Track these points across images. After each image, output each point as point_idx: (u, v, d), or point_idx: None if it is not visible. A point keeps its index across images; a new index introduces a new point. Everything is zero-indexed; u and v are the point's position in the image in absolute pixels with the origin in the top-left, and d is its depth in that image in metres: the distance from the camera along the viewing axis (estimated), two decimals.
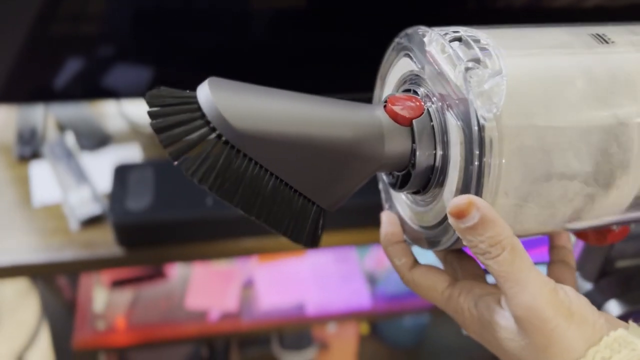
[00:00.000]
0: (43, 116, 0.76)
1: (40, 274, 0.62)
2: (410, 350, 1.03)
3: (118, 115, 0.78)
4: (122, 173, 0.62)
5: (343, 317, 0.80)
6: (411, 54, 0.31)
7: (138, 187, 0.61)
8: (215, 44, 0.69)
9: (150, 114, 0.28)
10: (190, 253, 0.62)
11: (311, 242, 0.30)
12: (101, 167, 0.69)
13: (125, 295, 0.83)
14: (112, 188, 0.60)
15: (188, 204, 0.59)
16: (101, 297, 0.82)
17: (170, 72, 0.73)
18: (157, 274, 0.81)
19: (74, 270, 0.62)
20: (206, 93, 0.27)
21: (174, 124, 0.27)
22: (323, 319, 0.80)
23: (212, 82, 0.28)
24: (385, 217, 0.35)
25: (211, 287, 0.82)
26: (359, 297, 0.82)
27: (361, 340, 1.03)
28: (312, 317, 0.80)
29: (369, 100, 0.36)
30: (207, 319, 0.79)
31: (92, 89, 0.72)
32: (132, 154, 0.72)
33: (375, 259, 0.88)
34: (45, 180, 0.67)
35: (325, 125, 0.28)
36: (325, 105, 0.30)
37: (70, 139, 0.71)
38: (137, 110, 0.79)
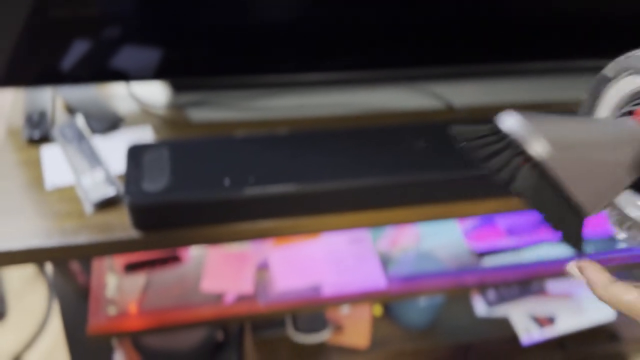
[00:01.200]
0: (52, 98, 0.74)
1: (55, 259, 0.60)
2: (424, 331, 1.02)
3: (128, 97, 0.76)
4: (136, 153, 0.60)
5: (358, 299, 0.79)
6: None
7: (153, 168, 0.59)
8: (225, 20, 0.67)
9: (464, 149, 0.33)
10: (209, 235, 0.60)
11: (581, 245, 0.33)
12: (113, 149, 0.67)
13: (138, 280, 0.82)
14: (126, 169, 0.58)
15: (205, 185, 0.57)
16: (114, 282, 0.81)
17: (180, 51, 0.71)
18: (172, 258, 0.80)
19: (89, 254, 0.60)
20: (519, 123, 0.31)
21: (490, 154, 0.32)
22: (338, 301, 0.79)
23: (515, 114, 0.32)
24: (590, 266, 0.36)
25: (226, 270, 0.81)
26: (374, 279, 0.81)
27: (375, 322, 1.02)
28: (328, 299, 0.79)
29: None
30: (223, 302, 0.78)
31: (100, 70, 0.70)
32: (144, 135, 0.70)
33: (389, 239, 0.87)
34: (56, 163, 0.65)
35: (612, 147, 0.32)
36: (600, 126, 0.35)
37: (80, 121, 0.69)
38: (147, 91, 0.77)
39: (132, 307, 0.79)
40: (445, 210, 0.65)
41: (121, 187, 0.61)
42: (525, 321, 1.03)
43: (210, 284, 0.80)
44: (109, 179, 0.62)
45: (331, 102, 0.77)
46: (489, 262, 0.84)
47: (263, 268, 0.82)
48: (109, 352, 0.89)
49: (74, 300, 0.81)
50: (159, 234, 0.59)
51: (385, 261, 0.83)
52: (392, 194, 0.62)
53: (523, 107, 0.81)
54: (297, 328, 0.92)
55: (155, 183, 0.57)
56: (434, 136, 0.66)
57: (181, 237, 0.60)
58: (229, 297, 0.78)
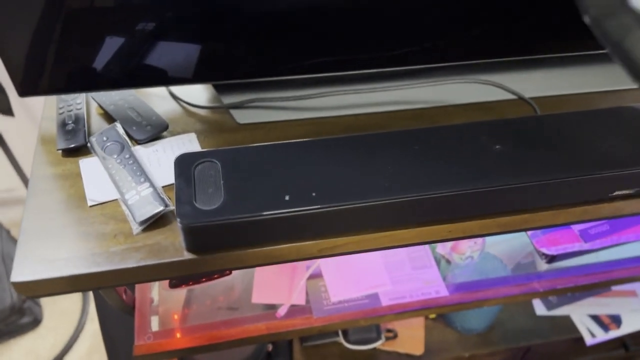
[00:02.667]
0: (85, 102, 0.68)
1: (101, 287, 0.55)
2: (481, 334, 0.96)
3: (169, 100, 0.70)
4: (185, 166, 0.54)
5: (418, 309, 0.73)
6: None
7: (204, 183, 0.53)
8: (270, 15, 0.61)
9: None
10: (269, 255, 0.54)
11: None
12: (157, 160, 0.62)
13: (184, 293, 0.77)
14: (176, 185, 0.53)
15: (264, 202, 0.51)
16: (159, 297, 0.76)
17: (221, 47, 0.65)
18: (220, 270, 0.75)
19: (139, 280, 0.55)
20: None
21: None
22: (397, 312, 0.73)
23: None
24: None
25: (277, 280, 0.75)
26: (434, 288, 0.75)
27: (428, 325, 0.96)
28: (385, 310, 0.73)
29: None
30: (275, 316, 0.72)
31: (137, 75, 0.65)
32: (190, 143, 0.64)
33: (449, 244, 0.81)
34: (96, 176, 0.59)
35: None
36: None
37: (120, 129, 0.63)
38: (189, 93, 0.71)
39: (179, 324, 0.74)
40: (525, 220, 0.59)
41: (170, 203, 0.56)
42: (588, 321, 0.97)
43: (260, 296, 0.75)
44: (156, 194, 0.56)
45: (387, 99, 0.71)
46: (559, 266, 0.78)
47: (315, 277, 0.77)
48: None
49: (118, 318, 0.77)
50: (216, 256, 0.54)
51: (445, 268, 0.77)
52: (468, 205, 0.55)
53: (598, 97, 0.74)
54: (349, 340, 0.87)
55: (208, 200, 0.51)
56: (507, 136, 0.59)
57: (239, 258, 0.54)
58: (282, 310, 0.72)
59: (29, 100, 0.65)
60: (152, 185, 0.57)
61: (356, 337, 0.86)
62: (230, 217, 0.50)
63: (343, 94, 0.69)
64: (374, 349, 0.91)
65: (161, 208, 0.55)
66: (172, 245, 0.54)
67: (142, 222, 0.55)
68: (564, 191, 0.56)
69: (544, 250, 0.73)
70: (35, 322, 1.27)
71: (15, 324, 1.24)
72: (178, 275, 0.55)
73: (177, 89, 0.71)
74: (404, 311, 0.73)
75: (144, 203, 0.56)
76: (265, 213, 0.50)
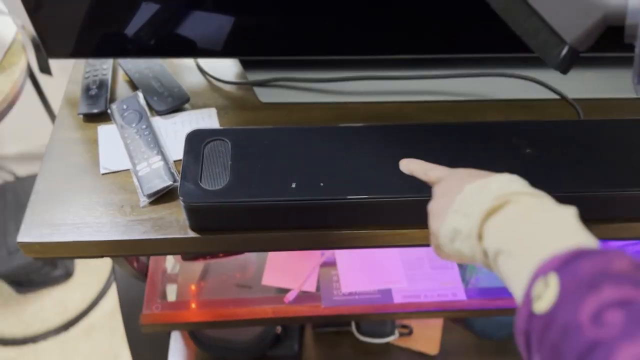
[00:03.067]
0: (112, 68, 0.68)
1: (104, 255, 0.55)
2: (500, 342, 0.93)
3: (195, 71, 0.69)
4: (196, 143, 0.53)
5: (432, 311, 0.71)
6: None
7: (213, 162, 0.52)
8: None
9: None
10: (272, 241, 0.53)
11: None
12: (175, 133, 0.61)
13: (197, 267, 0.77)
14: (183, 161, 0.52)
15: (269, 187, 0.50)
16: (172, 268, 0.76)
17: (252, 21, 0.63)
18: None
19: (140, 252, 0.55)
20: None
21: None
22: (409, 311, 0.71)
23: None
24: None
25: (289, 264, 0.74)
26: (452, 289, 0.72)
27: (446, 326, 0.93)
28: (398, 307, 0.71)
29: None
30: (284, 300, 0.71)
31: (166, 44, 0.64)
32: (209, 119, 0.63)
33: None
34: (112, 144, 0.59)
35: None
36: None
37: (141, 99, 0.63)
38: (216, 66, 0.69)
39: (193, 296, 0.74)
40: None
41: (179, 179, 0.55)
42: None
43: (271, 279, 0.74)
44: (167, 168, 0.55)
45: (418, 88, 0.67)
46: None
47: (329, 265, 0.75)
48: (165, 337, 0.86)
49: (132, 284, 0.78)
50: (218, 237, 0.52)
51: (466, 269, 0.73)
52: None
53: None
54: (362, 332, 0.85)
55: (214, 180, 0.50)
56: (540, 139, 0.54)
57: (242, 241, 0.53)
58: (291, 295, 0.71)
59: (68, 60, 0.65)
60: (165, 158, 0.56)
61: (369, 329, 0.85)
62: (231, 200, 0.49)
63: (371, 79, 0.66)
64: (387, 343, 0.88)
65: (169, 183, 0.54)
66: (177, 221, 0.53)
67: (149, 195, 0.54)
68: (594, 206, 0.51)
69: None
70: (67, 275, 1.31)
71: (48, 276, 1.29)
72: (180, 252, 0.55)
73: (204, 62, 0.70)
74: (417, 311, 0.70)
75: (153, 176, 0.55)
76: (267, 199, 0.49)
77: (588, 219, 0.52)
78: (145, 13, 0.61)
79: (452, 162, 0.52)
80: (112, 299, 1.30)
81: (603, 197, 0.51)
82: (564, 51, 0.42)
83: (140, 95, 0.63)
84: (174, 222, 0.53)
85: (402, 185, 0.50)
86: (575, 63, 0.43)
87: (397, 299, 0.71)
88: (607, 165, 0.52)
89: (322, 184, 0.50)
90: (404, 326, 0.90)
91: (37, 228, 0.53)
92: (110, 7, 0.61)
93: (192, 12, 0.61)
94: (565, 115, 0.65)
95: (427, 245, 0.56)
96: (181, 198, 0.49)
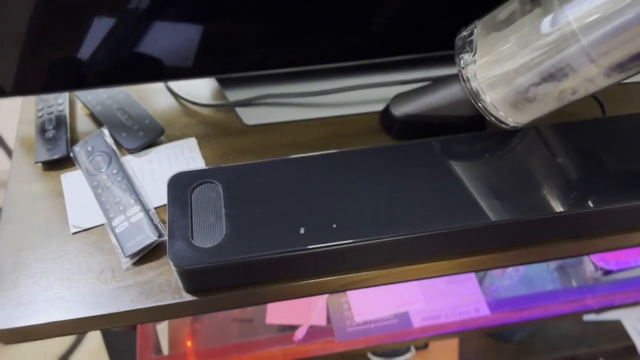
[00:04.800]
0: (69, 104, 0.60)
1: (85, 330, 0.48)
2: (520, 342, 0.88)
3: (166, 97, 0.61)
4: (180, 188, 0.46)
5: (455, 331, 0.65)
6: None
7: (203, 210, 0.45)
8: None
9: None
10: (280, 293, 0.46)
11: None
12: (151, 174, 0.54)
13: None
14: (168, 215, 0.44)
15: (275, 236, 0.43)
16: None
17: (226, 32, 0.55)
18: None
19: (129, 322, 0.48)
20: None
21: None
22: (432, 334, 0.65)
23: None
24: None
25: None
26: (473, 304, 0.67)
27: (463, 334, 0.89)
28: (419, 331, 0.65)
29: None
30: (292, 338, 0.65)
31: (128, 68, 0.56)
32: (190, 152, 0.55)
33: None
34: (80, 195, 0.52)
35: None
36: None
37: (107, 137, 0.55)
38: (190, 90, 0.61)
39: (185, 345, 0.67)
40: (587, 245, 0.49)
41: (164, 232, 0.48)
42: None
43: (276, 316, 0.67)
44: (149, 220, 0.48)
45: None
46: (615, 278, 0.69)
47: (337, 292, 0.69)
48: None
49: (121, 334, 0.71)
50: (218, 296, 0.46)
51: (487, 282, 0.68)
52: (525, 234, 0.46)
53: None
54: (375, 352, 0.80)
55: (209, 235, 0.43)
56: (569, 145, 0.49)
57: (246, 296, 0.46)
58: (300, 333, 0.65)
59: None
60: (144, 208, 0.49)
61: (384, 350, 0.80)
62: (233, 258, 0.42)
63: (369, 87, 0.59)
64: None
65: (154, 238, 0.47)
66: (168, 283, 0.46)
67: (132, 255, 0.47)
68: None
69: (602, 265, 0.64)
70: None
71: None
72: (175, 317, 0.48)
73: (176, 84, 0.62)
74: (439, 334, 0.65)
75: (134, 231, 0.47)
76: (275, 252, 0.42)
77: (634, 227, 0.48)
78: (97, 32, 0.53)
79: (483, 181, 0.46)
80: (95, 336, 1.22)
81: None
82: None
83: (105, 132, 0.55)
84: (165, 285, 0.46)
85: (427, 217, 0.44)
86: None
87: (416, 322, 0.65)
88: None
89: (334, 225, 0.43)
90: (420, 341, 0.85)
91: (2, 310, 0.45)
92: (54, 29, 0.52)
93: (153, 23, 0.53)
94: (586, 106, 0.59)
95: (453, 274, 0.50)
96: (172, 262, 0.42)
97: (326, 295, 0.67)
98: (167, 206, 0.45)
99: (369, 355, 0.82)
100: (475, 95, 0.46)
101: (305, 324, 0.65)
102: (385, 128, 0.56)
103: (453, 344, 0.86)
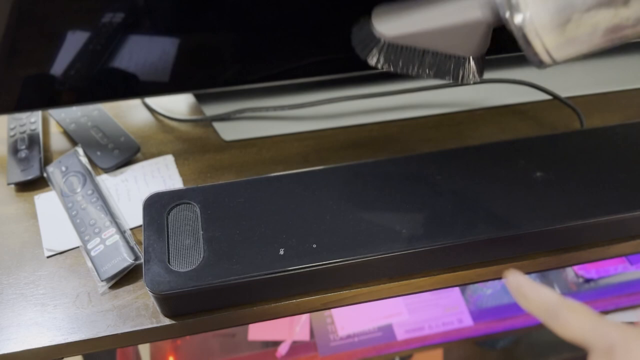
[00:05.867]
0: (42, 123, 0.59)
1: (64, 357, 0.47)
2: (504, 350, 0.89)
3: (140, 113, 0.61)
4: (156, 210, 0.45)
5: (440, 343, 0.65)
6: None
7: (180, 232, 0.44)
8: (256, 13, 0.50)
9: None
10: (260, 314, 0.46)
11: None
12: (127, 192, 0.53)
13: None
14: (144, 238, 0.44)
15: (254, 258, 0.42)
16: None
17: (201, 47, 0.54)
18: None
19: (106, 347, 0.47)
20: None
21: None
22: (415, 346, 0.65)
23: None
24: None
25: None
26: (456, 315, 0.67)
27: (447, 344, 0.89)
28: (402, 343, 0.65)
29: None
30: (276, 355, 0.65)
31: (102, 84, 0.55)
32: (166, 169, 0.55)
33: None
34: (54, 217, 0.51)
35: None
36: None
37: (82, 156, 0.54)
38: (166, 106, 0.61)
39: None
40: (570, 257, 0.50)
41: (141, 254, 0.47)
42: None
43: (258, 332, 0.67)
44: (125, 242, 0.47)
45: (401, 103, 0.60)
46: (598, 285, 0.69)
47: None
48: None
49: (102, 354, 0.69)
50: (197, 320, 0.45)
51: (470, 292, 0.68)
52: (507, 249, 0.46)
53: None
54: None
55: (186, 258, 0.42)
56: (549, 158, 0.49)
57: (226, 319, 0.45)
58: (283, 349, 0.65)
59: None
60: (120, 230, 0.48)
61: None
62: (212, 282, 0.41)
63: (348, 100, 0.59)
64: None
65: (130, 262, 0.46)
66: (146, 307, 0.45)
67: (108, 279, 0.46)
68: (627, 226, 0.46)
69: (583, 273, 0.64)
70: None
71: None
72: (154, 340, 0.47)
73: (151, 100, 0.61)
74: (422, 345, 0.65)
75: (110, 255, 0.47)
76: (254, 274, 0.41)
77: (622, 237, 0.48)
78: (71, 47, 0.52)
79: (462, 197, 0.46)
80: None
81: (630, 219, 0.46)
82: (471, 64, 0.42)
83: (80, 151, 0.54)
84: (143, 309, 0.45)
85: (409, 236, 0.43)
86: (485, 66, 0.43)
87: (400, 334, 0.65)
88: (626, 180, 0.47)
89: (314, 245, 0.43)
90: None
91: None
92: (26, 45, 0.51)
93: (128, 38, 0.53)
94: (563, 117, 0.59)
95: (435, 289, 0.50)
96: (149, 288, 0.41)
97: None
98: (142, 229, 0.44)
99: None
100: (514, 7, 0.36)
101: (288, 339, 0.64)
102: (359, 48, 0.44)
103: (437, 353, 0.86)
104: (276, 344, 0.65)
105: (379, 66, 0.43)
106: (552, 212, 0.45)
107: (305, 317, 0.66)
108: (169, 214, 0.45)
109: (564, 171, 0.48)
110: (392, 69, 0.43)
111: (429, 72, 0.42)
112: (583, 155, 0.49)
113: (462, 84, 0.44)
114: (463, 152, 0.50)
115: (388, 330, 0.65)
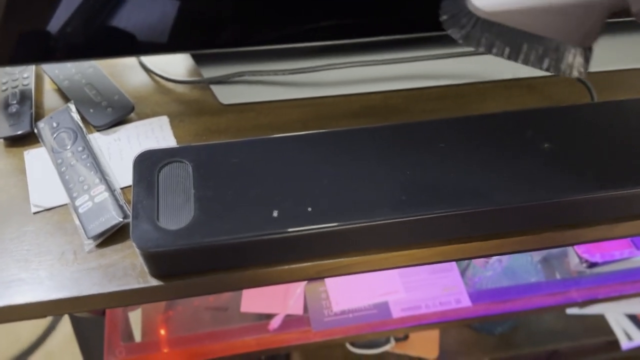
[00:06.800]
0: (35, 79, 0.57)
1: (44, 314, 0.46)
2: (502, 335, 0.87)
3: (137, 73, 0.59)
4: (147, 167, 0.44)
5: (435, 322, 0.64)
6: None
7: (171, 190, 0.43)
8: None
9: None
10: (252, 279, 0.45)
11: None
12: (119, 152, 0.51)
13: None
14: (133, 195, 0.42)
15: (246, 218, 0.41)
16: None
17: (202, 5, 0.53)
18: None
19: (90, 307, 0.46)
20: None
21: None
22: (411, 324, 0.64)
23: None
24: None
25: (270, 287, 0.66)
26: (454, 295, 0.65)
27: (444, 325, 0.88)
28: (398, 321, 0.64)
29: None
30: (267, 328, 0.63)
31: (99, 41, 0.53)
32: (161, 130, 0.53)
33: None
34: (43, 173, 0.49)
35: None
36: None
37: (74, 112, 0.52)
38: (164, 66, 0.59)
39: (158, 334, 0.65)
40: (575, 235, 0.48)
41: (130, 213, 0.45)
42: (625, 321, 0.88)
43: (251, 304, 0.65)
44: (114, 200, 0.46)
45: (405, 73, 0.59)
46: (600, 271, 0.68)
47: (315, 281, 0.67)
48: None
49: (90, 321, 0.68)
50: (186, 282, 0.44)
51: (469, 274, 0.67)
52: (509, 222, 0.45)
53: None
54: (354, 344, 0.78)
55: (176, 216, 0.41)
56: (557, 130, 0.47)
57: (217, 282, 0.44)
58: (276, 322, 0.63)
59: None
60: (110, 188, 0.47)
61: (363, 341, 0.78)
62: (201, 241, 0.40)
63: (351, 66, 0.57)
64: (382, 352, 0.82)
65: (118, 220, 0.45)
66: (133, 267, 0.44)
67: (95, 237, 0.44)
68: (635, 204, 0.45)
69: (587, 257, 0.63)
70: None
71: None
72: (141, 302, 0.46)
73: (149, 59, 0.59)
74: (418, 324, 0.63)
75: (98, 212, 0.45)
76: (246, 235, 0.40)
77: (629, 215, 0.46)
78: (69, 3, 0.50)
79: (466, 165, 0.44)
80: (68, 322, 1.20)
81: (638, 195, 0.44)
82: (577, 55, 0.38)
83: (72, 108, 0.52)
84: (130, 268, 0.44)
85: (408, 203, 0.42)
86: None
87: (396, 312, 0.64)
88: (637, 155, 0.45)
89: (309, 209, 0.41)
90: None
91: None
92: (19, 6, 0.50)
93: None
94: (573, 93, 0.58)
95: (434, 262, 0.49)
96: (136, 244, 0.40)
97: (303, 284, 0.65)
98: (132, 185, 0.43)
99: (348, 345, 0.80)
100: None
101: (281, 312, 0.63)
102: (446, 21, 0.40)
103: (433, 336, 0.85)
104: (269, 317, 0.64)
105: (465, 43, 0.39)
106: (558, 184, 0.43)
107: (299, 291, 0.65)
108: (160, 171, 0.43)
109: (572, 144, 0.46)
110: (478, 48, 0.39)
111: (524, 58, 0.38)
112: (593, 128, 0.48)
113: (560, 75, 0.39)
114: (468, 121, 0.48)
115: (384, 307, 0.64)
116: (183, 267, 0.42)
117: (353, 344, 0.78)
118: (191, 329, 0.69)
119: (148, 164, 0.44)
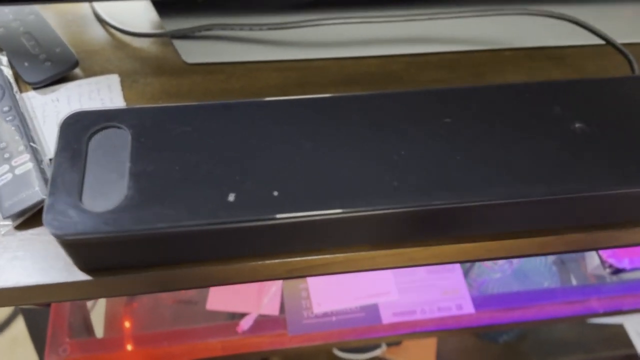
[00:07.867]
0: None
1: None
2: (508, 344, 0.80)
3: (87, 25, 0.51)
4: (75, 132, 0.36)
5: (431, 330, 0.56)
6: None
7: (103, 163, 0.35)
8: None
9: None
10: (205, 278, 0.37)
11: None
12: (56, 114, 0.43)
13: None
14: (53, 166, 0.34)
15: (193, 202, 0.33)
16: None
17: None
18: None
19: (9, 304, 0.39)
20: None
21: None
22: (403, 332, 0.56)
23: None
24: None
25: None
26: (455, 300, 0.57)
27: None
28: (388, 328, 0.56)
29: None
30: (236, 329, 0.56)
31: None
32: (109, 91, 0.45)
33: None
34: None
35: None
36: None
37: (5, 65, 0.44)
38: (119, 15, 0.51)
39: (123, 328, 0.58)
40: (598, 239, 0.40)
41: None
42: None
43: (218, 302, 0.58)
44: (39, 174, 0.38)
45: (408, 35, 0.50)
46: (626, 278, 0.60)
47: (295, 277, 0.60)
48: None
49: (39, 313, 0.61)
50: (121, 278, 0.36)
51: (474, 274, 0.59)
52: (528, 218, 0.37)
53: None
54: (341, 348, 0.71)
55: (104, 195, 0.33)
56: (593, 107, 0.39)
57: (159, 280, 0.36)
58: (246, 323, 0.56)
59: None
60: (36, 158, 0.39)
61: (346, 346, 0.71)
62: (131, 228, 0.32)
63: (345, 23, 0.48)
64: (373, 357, 0.75)
65: (42, 197, 0.37)
66: (59, 256, 0.36)
67: (14, 217, 0.37)
68: None
69: (612, 262, 0.55)
70: None
71: None
72: (68, 299, 0.38)
73: (103, 9, 0.51)
74: (412, 332, 0.56)
75: (18, 186, 0.37)
76: (192, 223, 0.32)
77: None
78: None
79: (475, 146, 0.36)
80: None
81: None
82: None
83: (3, 60, 0.44)
84: (55, 258, 0.36)
85: (402, 190, 0.34)
86: None
87: (387, 317, 0.56)
88: None
89: (275, 193, 0.33)
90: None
91: None
92: None
93: None
94: (610, 68, 0.49)
95: (430, 264, 0.41)
96: (49, 229, 0.32)
97: (279, 280, 0.57)
98: (54, 154, 0.35)
99: (335, 350, 0.73)
100: None
101: (253, 312, 0.56)
102: None
103: (430, 342, 0.77)
104: (239, 316, 0.57)
105: None
106: (590, 174, 0.35)
107: (276, 288, 0.57)
108: (90, 138, 0.35)
109: (610, 125, 0.38)
110: None
111: None
112: (636, 106, 0.39)
113: None
114: (481, 92, 0.40)
115: (373, 311, 0.56)
116: (113, 261, 0.34)
117: (340, 348, 0.71)
118: (153, 326, 0.61)
119: (77, 129, 0.36)
